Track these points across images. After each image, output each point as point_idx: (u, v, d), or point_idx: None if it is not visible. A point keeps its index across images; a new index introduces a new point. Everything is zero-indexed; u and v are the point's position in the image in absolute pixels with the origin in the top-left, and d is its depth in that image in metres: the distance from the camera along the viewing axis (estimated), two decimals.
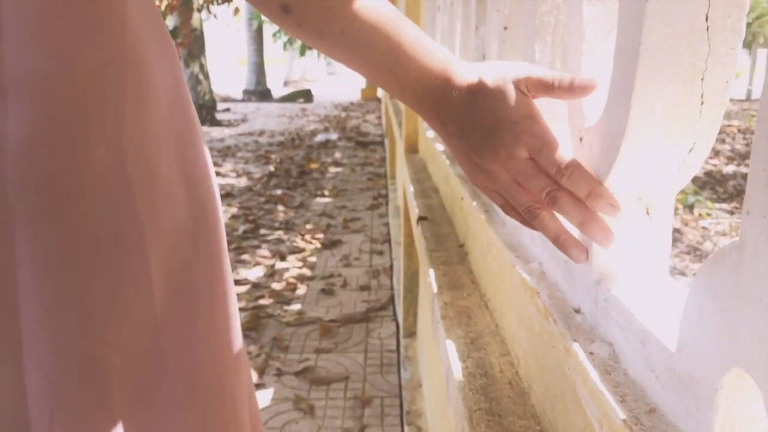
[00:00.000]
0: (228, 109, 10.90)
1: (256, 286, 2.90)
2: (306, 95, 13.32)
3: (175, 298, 0.48)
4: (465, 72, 0.51)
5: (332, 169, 5.72)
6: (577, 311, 0.55)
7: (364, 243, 3.55)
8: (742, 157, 6.34)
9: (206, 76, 9.13)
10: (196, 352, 0.50)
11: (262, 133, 8.11)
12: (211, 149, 6.76)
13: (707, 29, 0.41)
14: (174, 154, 0.49)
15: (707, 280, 0.34)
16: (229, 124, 9.06)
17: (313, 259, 3.29)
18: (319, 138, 7.48)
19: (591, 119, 0.52)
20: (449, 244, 1.12)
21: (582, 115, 0.53)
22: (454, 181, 1.21)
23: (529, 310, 0.63)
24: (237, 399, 0.54)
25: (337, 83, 20.28)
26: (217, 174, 5.43)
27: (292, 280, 2.96)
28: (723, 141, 7.28)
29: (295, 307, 2.68)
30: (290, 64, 19.17)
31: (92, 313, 0.44)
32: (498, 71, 0.50)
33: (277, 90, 14.66)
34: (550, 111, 0.74)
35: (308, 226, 3.86)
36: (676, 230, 3.90)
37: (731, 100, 11.09)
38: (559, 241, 0.50)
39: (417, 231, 1.31)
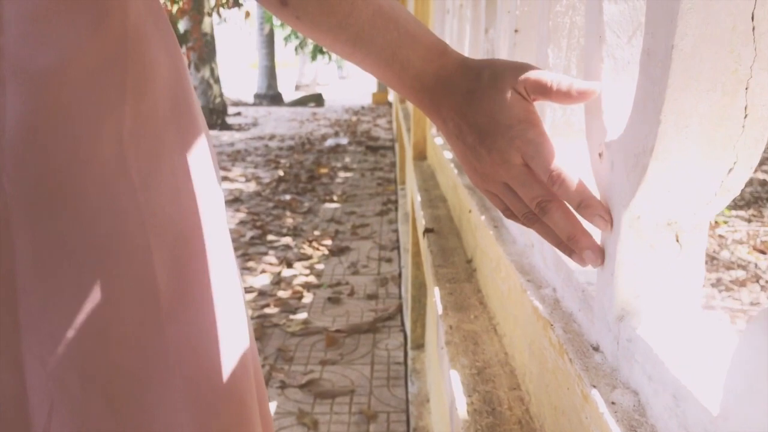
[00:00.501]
0: (239, 113, 10.89)
1: (261, 294, 2.85)
2: (317, 99, 13.30)
3: (182, 295, 0.48)
4: (463, 68, 0.50)
5: (342, 174, 5.67)
6: (596, 349, 0.49)
7: (373, 250, 3.49)
8: (760, 162, 6.23)
9: (216, 81, 9.12)
10: (202, 351, 0.49)
11: (272, 137, 8.08)
12: (220, 153, 6.74)
13: (753, 30, 0.35)
14: (176, 148, 0.49)
15: (763, 335, 0.28)
16: (239, 128, 9.04)
17: (320, 266, 3.24)
18: (329, 142, 7.43)
19: (613, 133, 0.46)
20: (456, 259, 1.06)
21: (602, 128, 0.47)
22: (462, 191, 1.15)
23: (541, 343, 0.57)
24: (245, 399, 0.53)
25: (348, 87, 20.26)
26: (226, 179, 5.39)
27: (298, 288, 2.90)
28: None
29: (301, 316, 2.63)
30: (302, 68, 19.19)
31: (92, 307, 0.43)
32: (496, 72, 0.48)
33: (289, 94, 14.64)
34: (564, 121, 0.68)
35: (316, 233, 3.81)
36: None
37: None
38: (561, 247, 0.48)
39: (423, 244, 1.25)
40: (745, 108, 0.36)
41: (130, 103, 0.45)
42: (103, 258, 0.44)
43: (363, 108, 12.37)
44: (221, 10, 8.82)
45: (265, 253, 3.42)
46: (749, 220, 4.32)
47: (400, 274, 3.06)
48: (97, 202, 0.43)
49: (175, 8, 8.02)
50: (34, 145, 0.41)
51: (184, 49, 8.33)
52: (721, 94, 0.36)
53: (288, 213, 4.29)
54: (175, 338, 0.47)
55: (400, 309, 2.67)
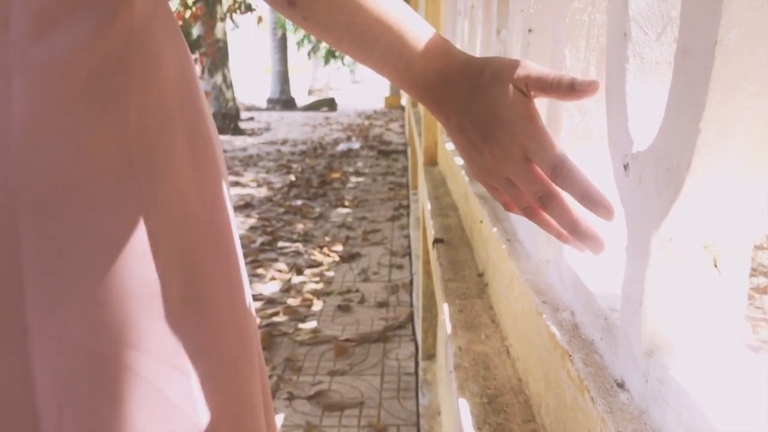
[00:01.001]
0: (252, 118, 10.90)
1: (270, 301, 2.81)
2: (330, 104, 13.28)
3: (190, 297, 0.48)
4: (465, 67, 0.51)
5: (353, 179, 5.63)
6: (621, 386, 0.43)
7: (384, 256, 3.44)
8: None
9: (229, 86, 9.13)
10: (212, 354, 0.49)
11: (284, 142, 8.06)
12: (233, 158, 6.73)
13: None
14: (183, 145, 0.49)
15: None
16: (252, 133, 9.04)
17: (330, 273, 3.19)
18: (341, 147, 7.40)
19: (640, 142, 0.40)
20: (467, 273, 1.00)
21: (627, 137, 0.42)
22: (473, 201, 1.09)
23: (558, 374, 0.51)
24: (254, 399, 0.53)
25: (361, 91, 20.25)
26: (238, 184, 5.37)
27: (308, 296, 2.86)
28: None
29: (310, 324, 2.58)
30: (314, 73, 19.21)
31: (100, 307, 0.43)
32: (496, 69, 0.49)
33: (302, 99, 14.64)
34: (582, 127, 0.62)
35: (327, 238, 3.76)
36: None
37: None
38: (563, 238, 0.49)
39: (432, 255, 1.19)
40: None
41: (136, 100, 0.45)
42: (109, 257, 0.43)
43: (375, 112, 12.34)
44: (234, 15, 8.83)
45: (276, 260, 3.38)
46: None
47: (411, 281, 3.01)
48: (102, 199, 0.43)
49: (188, 14, 8.04)
50: (40, 140, 0.41)
51: (197, 55, 8.34)
52: None
53: (299, 218, 4.25)
54: (184, 340, 0.47)
55: (411, 317, 2.62)
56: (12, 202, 0.40)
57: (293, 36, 14.41)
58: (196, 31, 8.44)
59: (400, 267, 3.24)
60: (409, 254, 3.40)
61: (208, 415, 0.48)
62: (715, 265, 0.38)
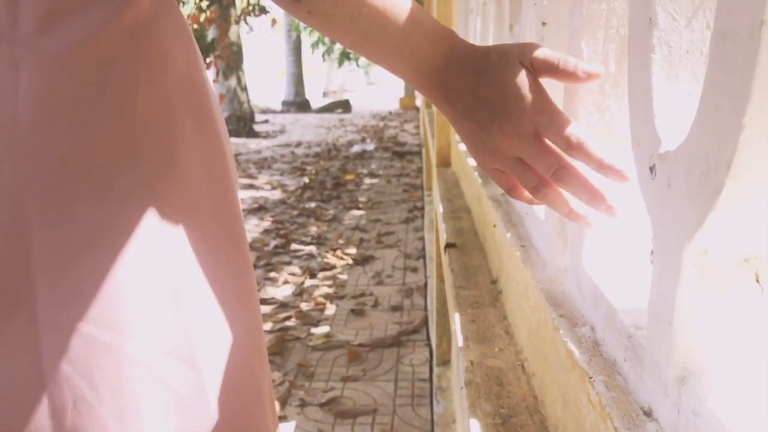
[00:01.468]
0: (267, 121, 10.91)
1: (283, 305, 2.78)
2: (344, 105, 13.27)
3: (201, 287, 0.47)
4: (471, 51, 0.51)
5: (367, 181, 5.59)
6: (648, 414, 0.39)
7: (398, 259, 3.39)
8: None
9: (244, 89, 9.14)
10: (224, 346, 0.49)
11: (299, 144, 8.05)
12: (247, 161, 6.72)
13: None
14: (191, 140, 0.48)
15: None
16: (267, 135, 9.04)
17: (343, 276, 3.15)
18: (356, 149, 7.37)
19: (669, 141, 0.36)
20: (480, 279, 0.96)
21: (654, 135, 0.37)
22: (486, 204, 1.05)
23: (577, 397, 0.47)
24: (264, 396, 0.53)
25: (375, 93, 20.21)
26: (252, 186, 5.36)
27: (320, 300, 2.82)
28: None
29: (323, 329, 2.54)
30: (329, 75, 19.22)
31: (111, 301, 0.43)
32: (503, 50, 0.50)
33: (317, 101, 14.64)
34: (602, 125, 0.57)
35: (340, 241, 3.73)
36: None
37: None
38: (571, 214, 0.48)
39: (444, 260, 1.15)
40: None
41: (143, 93, 0.45)
42: (118, 250, 0.43)
43: (390, 113, 12.30)
44: (248, 18, 8.84)
45: (289, 263, 3.35)
46: None
47: (425, 284, 2.96)
48: (110, 192, 0.43)
49: (202, 17, 8.06)
50: (47, 133, 0.41)
51: (211, 58, 8.37)
52: None
53: (312, 221, 4.22)
54: (195, 336, 0.47)
55: (425, 321, 2.57)
56: (21, 195, 0.40)
57: (308, 38, 14.43)
58: (210, 35, 8.46)
59: (414, 270, 3.20)
60: (424, 257, 3.35)
61: (218, 411, 0.48)
62: (757, 281, 0.33)
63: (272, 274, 3.17)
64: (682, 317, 0.34)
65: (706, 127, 0.31)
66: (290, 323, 2.59)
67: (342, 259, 3.40)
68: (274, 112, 12.89)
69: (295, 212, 4.45)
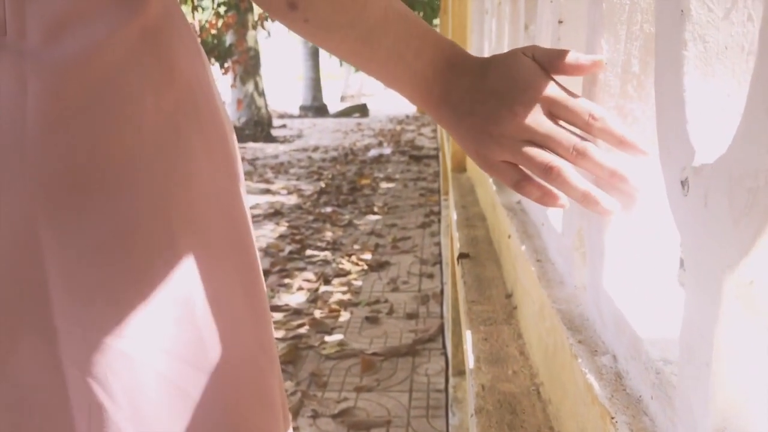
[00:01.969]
0: (284, 125, 10.92)
1: (297, 312, 2.74)
2: (362, 110, 13.25)
3: (211, 290, 0.48)
4: (472, 56, 0.51)
5: (384, 185, 5.54)
6: None
7: (414, 264, 3.34)
8: None
9: (261, 94, 9.15)
10: (235, 351, 0.49)
11: (316, 148, 8.03)
12: (264, 166, 6.72)
13: None
14: (199, 146, 0.48)
15: None
16: (284, 140, 9.04)
17: (358, 282, 3.10)
18: (372, 153, 7.33)
19: (705, 152, 0.31)
20: (494, 293, 0.90)
21: (686, 144, 0.32)
22: (501, 213, 1.00)
23: None
24: (274, 399, 0.53)
25: (393, 96, 20.17)
26: (268, 191, 5.34)
27: (335, 307, 2.78)
28: None
29: (337, 337, 2.50)
30: (347, 79, 19.23)
31: (122, 308, 0.43)
32: (506, 52, 0.50)
33: (334, 105, 14.63)
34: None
35: (356, 246, 3.69)
36: None
37: None
38: (587, 198, 0.46)
39: (457, 271, 1.10)
40: None
41: (150, 101, 0.45)
42: (128, 257, 0.43)
43: (407, 117, 12.26)
44: (265, 23, 8.86)
45: (303, 269, 3.31)
46: None
47: (441, 291, 2.90)
48: (118, 200, 0.43)
49: (220, 22, 8.10)
50: (55, 143, 0.41)
51: (229, 63, 8.40)
52: None
53: (328, 226, 4.18)
54: (206, 340, 0.47)
55: (441, 329, 2.52)
56: (30, 207, 0.41)
57: None
58: (228, 40, 8.49)
59: (430, 276, 3.14)
60: (440, 262, 3.29)
61: (232, 418, 0.48)
62: None
63: (286, 280, 3.14)
64: (721, 358, 0.29)
65: (753, 135, 0.25)
66: (303, 331, 2.55)
67: (357, 264, 3.36)
68: (291, 116, 12.90)
69: (311, 217, 4.42)
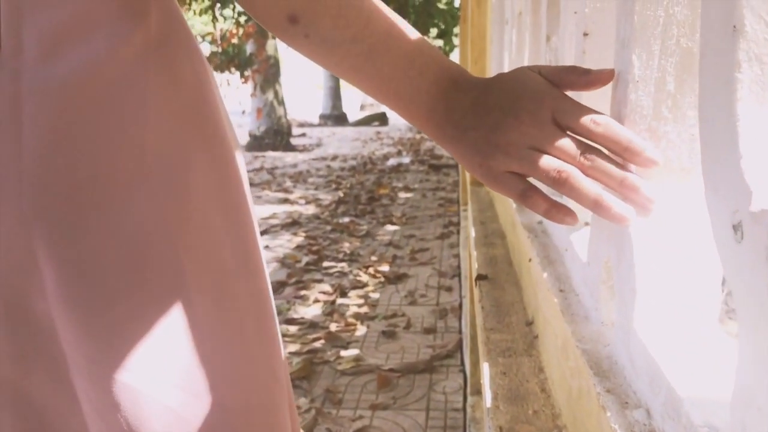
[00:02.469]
0: (304, 134, 10.95)
1: (312, 325, 2.70)
2: (381, 118, 13.25)
3: (221, 319, 0.46)
4: (475, 77, 0.49)
5: (402, 195, 5.50)
6: None
7: (432, 277, 3.29)
8: None
9: (281, 102, 9.18)
10: (243, 380, 0.47)
11: (335, 157, 8.03)
12: (283, 175, 6.72)
13: None
14: (203, 165, 0.47)
15: None
16: (303, 149, 9.06)
17: (375, 295, 3.06)
18: (391, 162, 7.30)
19: (765, 193, 0.26)
20: (514, 320, 0.85)
21: (741, 183, 0.27)
22: (521, 233, 0.95)
23: None
24: (282, 422, 0.51)
25: None
26: (287, 201, 5.33)
27: (351, 320, 2.73)
28: None
29: (353, 352, 2.45)
30: None
31: (127, 338, 0.42)
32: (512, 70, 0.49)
33: (354, 114, 14.66)
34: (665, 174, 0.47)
35: (373, 258, 3.64)
36: None
37: None
38: (599, 204, 0.43)
39: (475, 294, 1.05)
40: None
41: (153, 118, 0.43)
42: (133, 283, 0.42)
43: (419, 129, 12.21)
44: None
45: (320, 281, 3.28)
46: None
47: (460, 305, 2.84)
48: (120, 224, 0.42)
49: (240, 31, 8.15)
50: (53, 166, 0.40)
51: (249, 72, 8.44)
52: None
53: (346, 236, 4.15)
54: (213, 369, 0.45)
55: (460, 345, 2.46)
56: (28, 232, 0.39)
57: None
58: (248, 49, 8.53)
59: (449, 289, 3.09)
60: (459, 275, 3.23)
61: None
62: None
63: (303, 292, 3.10)
64: None
65: None
66: (319, 345, 2.51)
67: (374, 276, 3.31)
68: (311, 125, 12.94)
69: (329, 227, 4.39)
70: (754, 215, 0.26)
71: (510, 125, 0.45)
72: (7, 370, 0.42)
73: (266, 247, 3.92)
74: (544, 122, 0.44)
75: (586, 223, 0.68)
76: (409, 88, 0.48)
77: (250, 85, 8.86)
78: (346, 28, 0.47)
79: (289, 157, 8.17)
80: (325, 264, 3.56)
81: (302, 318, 2.78)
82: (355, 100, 18.64)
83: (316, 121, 13.46)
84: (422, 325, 2.67)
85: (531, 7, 1.12)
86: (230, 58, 8.16)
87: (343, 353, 2.44)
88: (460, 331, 2.59)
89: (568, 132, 0.45)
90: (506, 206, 1.25)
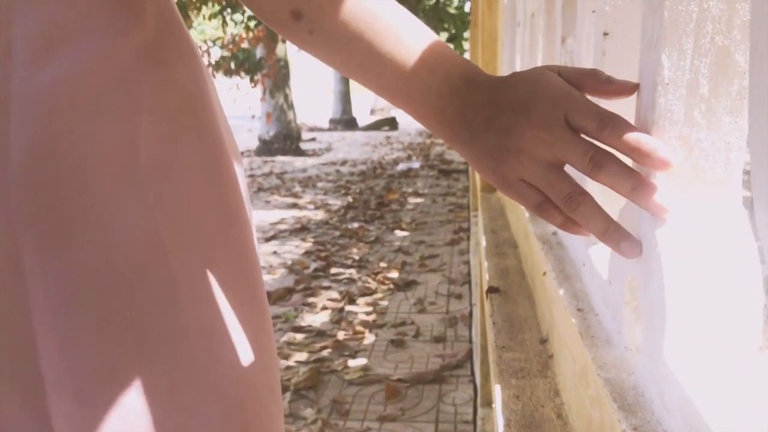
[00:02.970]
0: (314, 139, 10.94)
1: (320, 334, 2.66)
2: (391, 123, 13.22)
3: (218, 330, 0.45)
4: (488, 74, 0.48)
5: (412, 200, 5.46)
6: None
7: (442, 284, 3.24)
8: None
9: (290, 106, 9.17)
10: (247, 402, 0.46)
11: (344, 162, 8.00)
12: (292, 179, 6.70)
13: None
14: (199, 172, 0.45)
15: None
16: (313, 153, 9.04)
17: (384, 302, 3.01)
18: (401, 167, 7.26)
19: None
20: (527, 337, 0.81)
21: None
22: (535, 244, 0.90)
23: None
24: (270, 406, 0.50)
25: None
26: (296, 206, 5.31)
27: (359, 328, 2.69)
28: None
29: (361, 361, 2.40)
30: None
31: (117, 353, 0.40)
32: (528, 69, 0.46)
33: (364, 118, 14.63)
34: (690, 167, 0.43)
35: (382, 264, 3.60)
36: None
37: None
38: (608, 233, 0.42)
39: (486, 307, 1.00)
40: None
41: (146, 123, 0.42)
42: (123, 294, 0.40)
43: (430, 131, 12.17)
44: None
45: (328, 287, 3.24)
46: None
47: (470, 313, 2.79)
48: (111, 232, 0.40)
49: (250, 35, 8.15)
50: (40, 173, 0.38)
51: (258, 76, 8.44)
52: None
53: (354, 242, 4.11)
54: (217, 389, 0.44)
55: (470, 355, 2.41)
56: (15, 243, 0.38)
57: None
58: (258, 53, 8.54)
59: (458, 297, 3.04)
60: (469, 282, 3.19)
61: None
62: None
63: (311, 299, 3.07)
64: None
65: None
66: (326, 354, 2.47)
67: (383, 283, 3.27)
68: (321, 129, 12.94)
69: (338, 233, 4.36)
70: None
71: (521, 128, 0.44)
72: None
73: (274, 252, 3.89)
74: (556, 125, 0.43)
75: None
76: (419, 86, 0.46)
77: (259, 89, 8.85)
78: (352, 23, 0.45)
79: (299, 162, 8.15)
80: (334, 270, 3.52)
81: (309, 326, 2.74)
82: (365, 105, 18.64)
83: (326, 125, 13.45)
84: (432, 334, 2.62)
85: (545, 7, 1.08)
86: (240, 62, 8.16)
87: (351, 362, 2.40)
88: (470, 341, 2.54)
89: (582, 134, 0.43)
90: (518, 214, 1.21)
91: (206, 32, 9.66)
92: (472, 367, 2.32)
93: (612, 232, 0.42)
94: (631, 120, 0.48)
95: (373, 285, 3.25)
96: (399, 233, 4.33)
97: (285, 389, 2.18)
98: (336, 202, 5.43)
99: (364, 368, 2.33)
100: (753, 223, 0.42)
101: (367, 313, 2.87)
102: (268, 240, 4.21)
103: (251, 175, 6.99)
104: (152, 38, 0.44)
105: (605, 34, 0.60)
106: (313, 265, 3.60)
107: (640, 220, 0.45)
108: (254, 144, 9.20)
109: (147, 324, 0.41)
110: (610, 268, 0.55)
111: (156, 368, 0.42)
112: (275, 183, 6.52)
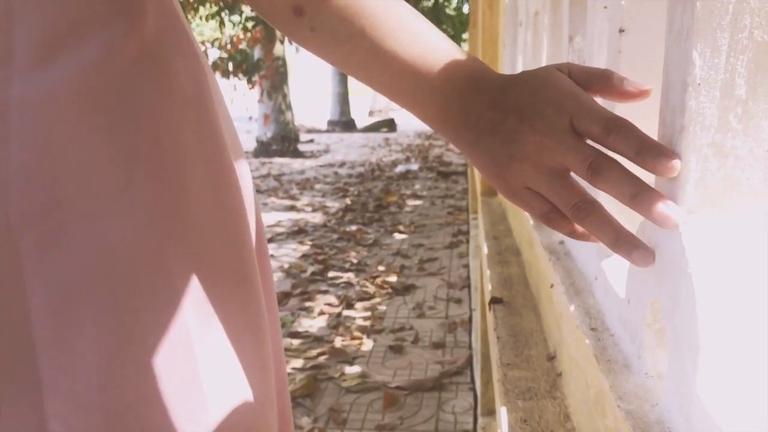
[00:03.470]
0: (312, 140, 10.89)
1: (317, 339, 2.61)
2: (389, 124, 13.18)
3: (216, 337, 0.44)
4: (495, 72, 0.46)
5: (410, 202, 5.41)
6: None
7: (441, 288, 3.19)
8: None
9: (288, 107, 9.12)
10: (244, 407, 0.45)
11: (342, 164, 7.95)
12: (290, 181, 6.65)
13: None
14: (201, 175, 0.45)
15: None
16: (311, 155, 8.99)
17: (382, 307, 2.97)
18: (400, 169, 7.21)
19: None
20: (533, 353, 0.76)
21: None
22: (540, 254, 0.85)
23: None
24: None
25: None
26: (293, 208, 5.26)
27: (357, 334, 2.64)
28: None
29: (358, 368, 2.36)
30: (375, 94, 19.21)
31: (116, 358, 0.39)
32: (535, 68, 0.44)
33: (362, 120, 14.58)
34: (724, 177, 0.38)
35: (380, 268, 3.55)
36: None
37: None
38: (619, 243, 0.40)
39: (490, 319, 0.96)
40: None
41: (147, 125, 0.42)
42: (122, 299, 0.40)
43: (436, 132, 12.14)
44: None
45: (326, 292, 3.19)
46: None
47: (470, 318, 2.75)
48: (110, 236, 0.40)
49: (248, 36, 8.11)
50: (39, 176, 0.38)
51: (256, 78, 8.39)
52: None
53: (352, 245, 4.06)
54: (215, 395, 0.43)
55: (470, 361, 2.36)
56: (15, 244, 0.38)
57: None
58: (255, 55, 8.49)
59: (458, 301, 2.99)
60: (468, 286, 3.14)
61: None
62: None
63: (308, 304, 3.02)
64: None
65: None
66: (323, 360, 2.42)
67: (381, 288, 3.22)
68: (319, 131, 12.88)
69: (335, 236, 4.31)
70: None
71: (525, 134, 0.42)
72: None
73: (271, 256, 3.84)
74: (560, 130, 0.41)
75: None
76: (422, 87, 0.45)
77: (257, 90, 8.81)
78: (354, 19, 0.44)
79: (297, 164, 8.10)
80: (331, 274, 3.48)
81: (306, 331, 2.69)
82: (364, 106, 18.60)
83: (324, 127, 13.40)
84: (431, 340, 2.57)
85: (550, 5, 1.03)
86: (238, 63, 8.11)
87: (348, 369, 2.35)
88: (470, 347, 2.49)
89: (588, 139, 0.41)
90: (521, 220, 1.16)
91: (204, 33, 9.61)
92: (472, 374, 2.27)
93: (623, 242, 0.40)
94: (655, 124, 0.44)
95: (371, 289, 3.20)
96: (397, 236, 4.28)
97: None
98: (334, 205, 5.38)
99: (362, 375, 2.29)
100: None
101: (365, 318, 2.83)
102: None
103: None
104: (153, 39, 0.44)
105: (621, 30, 0.55)
106: (311, 269, 3.56)
107: (667, 237, 0.41)
108: (252, 145, 9.15)
109: (146, 325, 0.41)
110: (628, 287, 0.50)
111: (157, 376, 0.41)
112: (273, 185, 6.47)
